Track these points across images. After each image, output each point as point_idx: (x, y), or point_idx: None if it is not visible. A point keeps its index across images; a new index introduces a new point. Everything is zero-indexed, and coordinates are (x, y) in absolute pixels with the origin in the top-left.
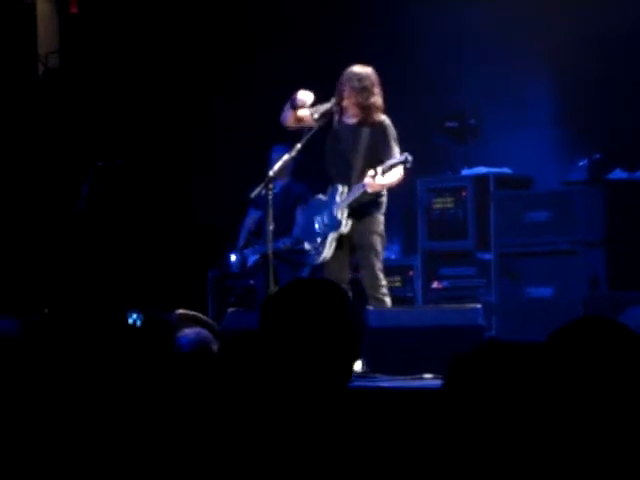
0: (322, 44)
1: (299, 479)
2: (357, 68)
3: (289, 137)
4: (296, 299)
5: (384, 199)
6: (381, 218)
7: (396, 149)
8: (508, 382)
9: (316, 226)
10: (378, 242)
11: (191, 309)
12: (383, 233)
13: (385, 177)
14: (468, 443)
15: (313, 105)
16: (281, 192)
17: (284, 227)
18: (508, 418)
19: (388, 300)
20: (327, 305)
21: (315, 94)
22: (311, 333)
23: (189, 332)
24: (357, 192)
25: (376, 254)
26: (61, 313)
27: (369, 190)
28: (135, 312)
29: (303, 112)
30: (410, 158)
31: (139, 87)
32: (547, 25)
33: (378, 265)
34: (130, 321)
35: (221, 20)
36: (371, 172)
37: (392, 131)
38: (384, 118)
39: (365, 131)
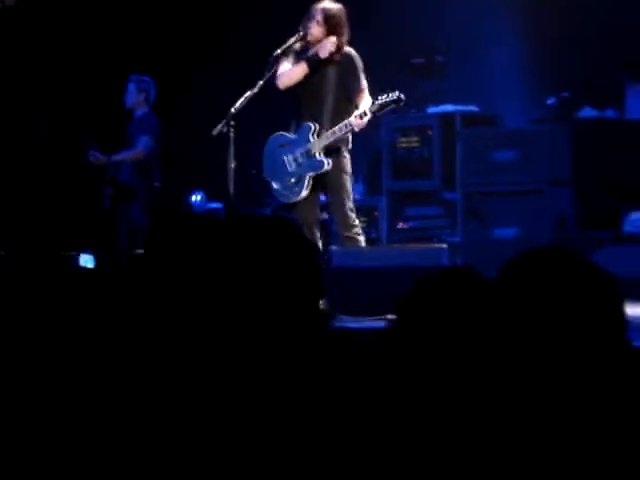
0: None
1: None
2: (326, 3)
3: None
4: (243, 233)
5: (350, 136)
6: (348, 156)
7: (364, 81)
8: (457, 310)
9: (287, 166)
10: (348, 181)
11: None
12: (350, 171)
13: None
14: (417, 375)
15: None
16: None
17: None
18: (457, 349)
19: (362, 239)
20: (279, 240)
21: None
22: (263, 270)
23: None
24: (341, 131)
25: (347, 193)
26: (19, 254)
27: (356, 130)
28: (86, 253)
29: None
30: (403, 97)
31: (96, 22)
32: None
33: (349, 204)
34: (82, 263)
35: None
36: (358, 112)
37: (360, 63)
38: (349, 50)
39: (333, 66)
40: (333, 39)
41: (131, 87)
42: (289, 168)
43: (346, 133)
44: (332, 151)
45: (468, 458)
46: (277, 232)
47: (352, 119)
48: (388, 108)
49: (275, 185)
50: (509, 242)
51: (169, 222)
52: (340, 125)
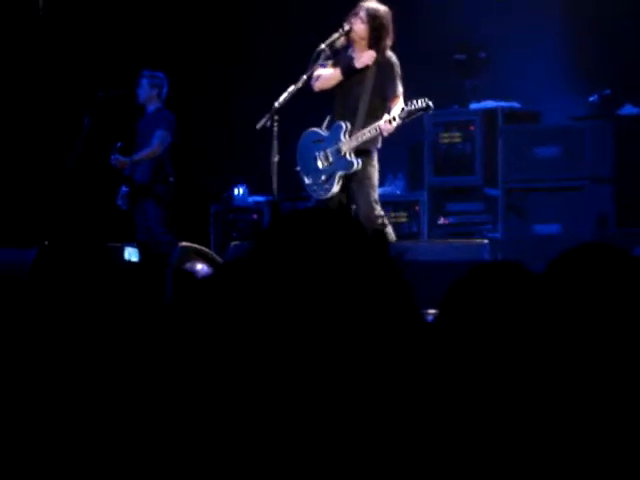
0: None
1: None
2: (374, 3)
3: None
4: (297, 227)
5: (379, 137)
6: (376, 152)
7: (400, 88)
8: (504, 304)
9: (319, 163)
10: (373, 174)
11: (194, 242)
12: (377, 165)
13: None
14: (463, 370)
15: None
16: None
17: None
18: (503, 343)
19: (390, 230)
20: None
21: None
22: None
23: (203, 267)
24: (371, 134)
25: (372, 185)
26: (61, 246)
27: (385, 134)
28: (131, 246)
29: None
30: (431, 104)
31: (141, 17)
32: None
33: (374, 196)
34: (126, 256)
35: None
36: (388, 117)
37: (398, 69)
38: (390, 55)
39: (372, 69)
40: (372, 54)
41: (144, 82)
42: (320, 165)
43: (375, 136)
44: (361, 151)
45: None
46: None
47: (381, 123)
48: (416, 115)
49: (307, 180)
50: (550, 238)
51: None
52: (370, 127)
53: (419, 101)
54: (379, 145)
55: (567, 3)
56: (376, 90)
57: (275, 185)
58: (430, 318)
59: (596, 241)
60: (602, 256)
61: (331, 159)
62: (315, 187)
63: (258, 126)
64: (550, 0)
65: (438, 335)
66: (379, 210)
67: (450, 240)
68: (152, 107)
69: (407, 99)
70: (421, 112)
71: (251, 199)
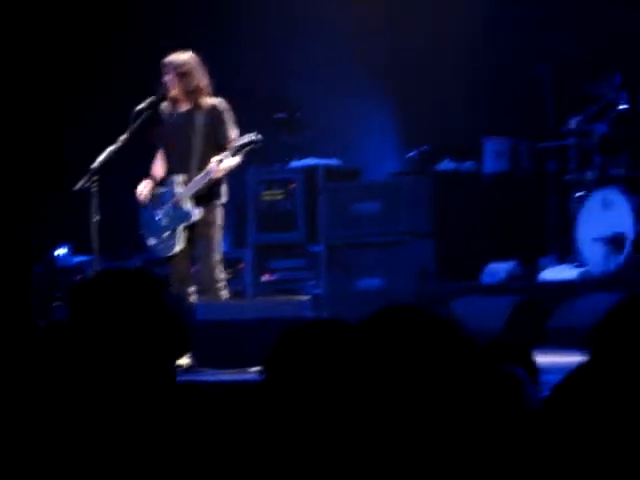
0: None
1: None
2: (174, 56)
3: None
4: (109, 288)
5: (224, 188)
6: (220, 207)
7: (235, 130)
8: (323, 360)
9: (160, 220)
10: (217, 233)
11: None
12: (222, 224)
13: (226, 161)
14: (290, 429)
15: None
16: None
17: None
18: (324, 399)
19: (224, 293)
20: (141, 294)
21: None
22: (125, 324)
23: None
24: (202, 181)
25: (214, 245)
26: None
27: (213, 176)
28: None
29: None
30: (260, 137)
31: None
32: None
33: (216, 257)
34: None
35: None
36: (217, 158)
37: (228, 114)
38: (218, 101)
39: (199, 116)
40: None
41: None
42: (162, 222)
43: (208, 180)
44: (202, 202)
45: None
46: (138, 286)
47: (211, 165)
48: (246, 149)
49: (151, 241)
50: (372, 293)
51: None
52: (202, 173)
53: (245, 137)
54: (223, 199)
55: (388, 61)
56: (206, 137)
57: (96, 245)
58: (254, 376)
59: (404, 302)
60: (406, 317)
61: (171, 213)
62: (161, 245)
63: (76, 187)
64: (372, 58)
65: (264, 393)
66: (219, 271)
67: (273, 297)
68: None
69: None
70: (250, 145)
71: (74, 259)
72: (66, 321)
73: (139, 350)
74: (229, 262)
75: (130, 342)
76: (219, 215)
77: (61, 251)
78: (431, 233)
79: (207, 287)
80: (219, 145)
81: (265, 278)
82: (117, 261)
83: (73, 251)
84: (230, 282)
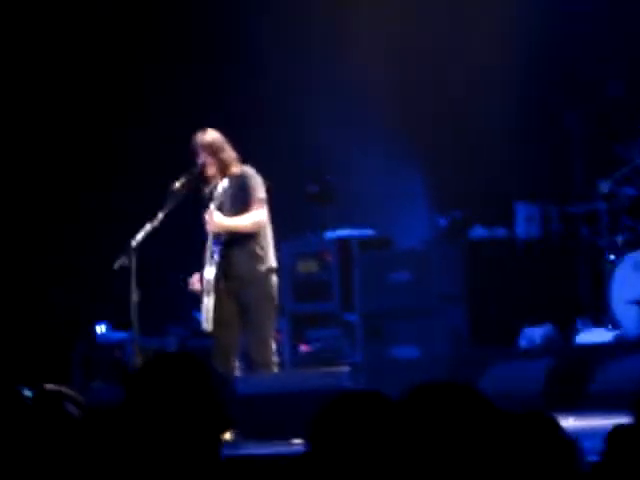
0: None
1: None
2: (202, 136)
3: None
4: (159, 374)
5: (266, 252)
6: (271, 277)
7: (260, 193)
8: (365, 433)
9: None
10: (267, 303)
11: (56, 383)
12: (273, 296)
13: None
14: None
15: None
16: None
17: None
18: (369, 462)
19: (274, 366)
20: (189, 379)
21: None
22: (174, 408)
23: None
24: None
25: (264, 318)
26: None
27: (208, 228)
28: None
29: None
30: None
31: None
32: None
33: (266, 330)
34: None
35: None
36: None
37: (255, 178)
38: (245, 169)
39: (227, 186)
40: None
41: None
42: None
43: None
44: (244, 269)
45: None
46: (181, 369)
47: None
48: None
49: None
50: (408, 361)
51: None
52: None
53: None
54: (270, 264)
55: (416, 128)
56: (233, 203)
57: (136, 323)
58: (297, 448)
59: (456, 369)
60: (447, 396)
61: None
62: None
63: (116, 266)
64: (402, 124)
65: (309, 465)
66: (270, 345)
67: (311, 368)
68: None
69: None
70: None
71: (114, 335)
72: (107, 400)
73: (186, 430)
74: None
75: (178, 423)
76: (269, 285)
77: (101, 328)
78: (463, 299)
79: (256, 359)
80: (243, 209)
81: (303, 348)
82: (155, 337)
83: (112, 327)
84: None
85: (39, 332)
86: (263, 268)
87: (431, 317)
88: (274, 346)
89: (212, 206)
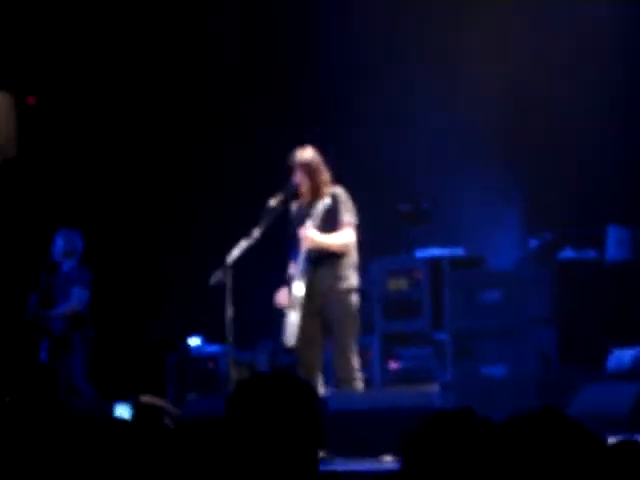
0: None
1: None
2: (300, 154)
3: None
4: (262, 392)
5: (351, 271)
6: (354, 295)
7: (351, 216)
8: (460, 454)
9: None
10: (352, 323)
11: (151, 394)
12: (356, 313)
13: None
14: None
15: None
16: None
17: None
18: None
19: (359, 384)
20: (291, 398)
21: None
22: (276, 425)
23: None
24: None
25: (349, 336)
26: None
27: (303, 243)
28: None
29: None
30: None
31: (96, 176)
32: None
33: (352, 346)
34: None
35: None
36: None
37: (345, 200)
38: (339, 190)
39: (319, 206)
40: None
41: (59, 240)
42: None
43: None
44: (330, 286)
45: None
46: (277, 390)
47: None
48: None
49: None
50: (497, 380)
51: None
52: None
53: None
54: (352, 281)
55: (506, 151)
56: (323, 224)
57: (231, 338)
58: (389, 465)
59: (545, 390)
60: (546, 424)
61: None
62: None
63: (212, 282)
64: (495, 150)
65: None
66: (355, 362)
67: (401, 386)
68: (68, 264)
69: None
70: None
71: (207, 348)
72: (202, 412)
73: (286, 447)
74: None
75: (278, 440)
76: (352, 302)
77: (194, 341)
78: (553, 320)
79: (341, 376)
80: (335, 232)
81: (392, 366)
82: (247, 351)
83: (206, 340)
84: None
85: (136, 345)
86: (344, 286)
87: (520, 337)
88: (358, 363)
89: (309, 223)
